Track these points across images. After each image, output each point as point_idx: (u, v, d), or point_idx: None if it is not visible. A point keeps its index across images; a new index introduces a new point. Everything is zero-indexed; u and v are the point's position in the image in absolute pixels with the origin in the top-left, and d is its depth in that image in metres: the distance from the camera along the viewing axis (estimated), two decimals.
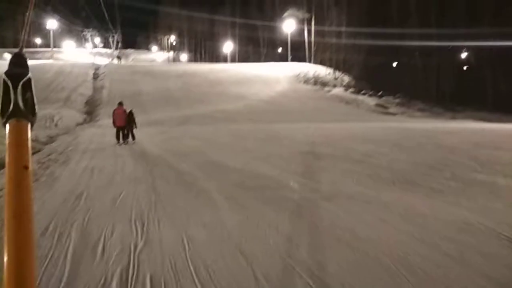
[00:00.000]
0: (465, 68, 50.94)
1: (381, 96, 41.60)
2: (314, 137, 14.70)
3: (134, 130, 14.91)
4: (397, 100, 41.11)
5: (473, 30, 41.26)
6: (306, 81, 44.39)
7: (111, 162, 9.79)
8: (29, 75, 0.80)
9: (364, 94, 41.97)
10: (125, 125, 14.46)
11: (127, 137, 14.54)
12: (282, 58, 54.84)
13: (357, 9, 47.83)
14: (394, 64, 53.80)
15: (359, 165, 8.61)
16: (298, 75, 45.44)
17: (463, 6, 43.32)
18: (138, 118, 19.39)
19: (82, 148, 12.53)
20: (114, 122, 14.53)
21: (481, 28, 40.97)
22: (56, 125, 22.03)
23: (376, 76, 47.14)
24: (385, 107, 37.59)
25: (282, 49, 61.36)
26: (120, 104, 15.17)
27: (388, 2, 46.68)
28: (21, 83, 0.78)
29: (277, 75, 44.91)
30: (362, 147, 11.45)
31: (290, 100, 36.19)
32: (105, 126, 20.84)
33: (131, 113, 14.92)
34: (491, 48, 42.71)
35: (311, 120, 24.49)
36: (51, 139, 15.38)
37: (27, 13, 0.92)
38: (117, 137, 14.33)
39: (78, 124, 23.01)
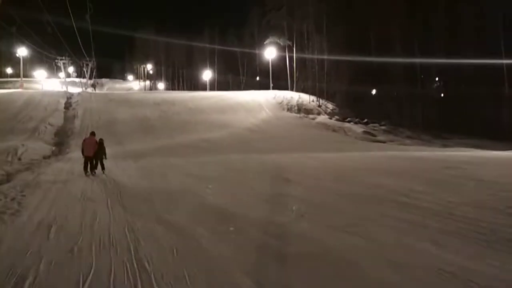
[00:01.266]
0: (442, 95, 50.58)
1: (366, 124, 40.47)
2: (321, 169, 12.69)
3: (104, 161, 13.94)
4: (383, 128, 40.00)
5: (453, 58, 41.33)
6: (290, 108, 42.97)
7: (77, 212, 7.41)
8: None
9: (349, 121, 40.75)
10: (94, 155, 13.62)
11: (96, 168, 13.64)
12: (262, 86, 53.41)
13: (339, 37, 47.25)
14: (373, 91, 53.13)
15: (409, 211, 6.58)
16: (281, 102, 44.01)
17: (446, 31, 43.34)
18: (113, 149, 17.41)
19: (43, 190, 10.06)
20: (82, 152, 13.71)
21: (462, 56, 40.94)
22: (19, 159, 19.28)
23: (359, 104, 46.30)
24: (373, 135, 36.25)
25: (262, 77, 60.16)
26: (92, 133, 14.53)
27: (370, 29, 46.32)
28: None
29: (260, 103, 43.34)
30: (387, 182, 9.50)
31: (276, 128, 34.48)
32: (75, 160, 18.28)
33: (101, 142, 14.04)
34: (472, 73, 42.79)
35: (303, 149, 22.59)
36: (7, 178, 12.78)
37: None
38: (85, 168, 13.40)
39: (45, 158, 20.27)
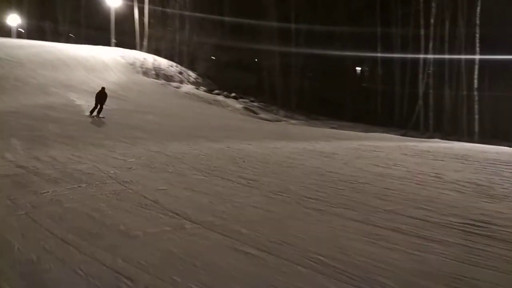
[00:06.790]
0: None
1: (236, 98, 35.24)
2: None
3: None
4: (255, 104, 35.54)
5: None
6: (146, 72, 34.29)
7: None
8: None
9: (218, 94, 34.87)
10: None
11: None
12: (97, 41, 40.72)
13: None
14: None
15: None
16: (133, 64, 34.74)
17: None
18: None
19: None
20: None
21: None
22: None
23: (221, 75, 40.78)
24: (255, 112, 31.45)
25: (94, 30, 46.99)
26: None
27: None
28: None
29: (104, 62, 33.20)
30: None
31: (141, 95, 26.20)
32: None
33: None
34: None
35: (210, 130, 15.64)
36: None
37: None
38: None
39: None
